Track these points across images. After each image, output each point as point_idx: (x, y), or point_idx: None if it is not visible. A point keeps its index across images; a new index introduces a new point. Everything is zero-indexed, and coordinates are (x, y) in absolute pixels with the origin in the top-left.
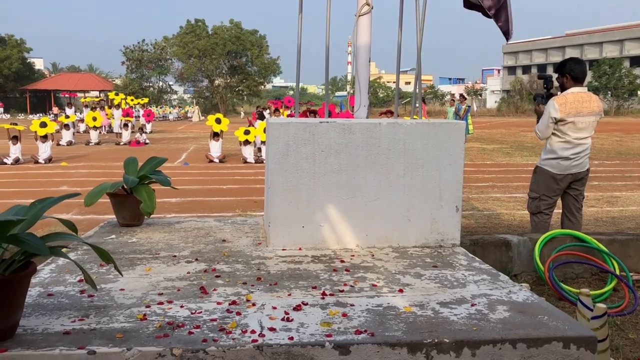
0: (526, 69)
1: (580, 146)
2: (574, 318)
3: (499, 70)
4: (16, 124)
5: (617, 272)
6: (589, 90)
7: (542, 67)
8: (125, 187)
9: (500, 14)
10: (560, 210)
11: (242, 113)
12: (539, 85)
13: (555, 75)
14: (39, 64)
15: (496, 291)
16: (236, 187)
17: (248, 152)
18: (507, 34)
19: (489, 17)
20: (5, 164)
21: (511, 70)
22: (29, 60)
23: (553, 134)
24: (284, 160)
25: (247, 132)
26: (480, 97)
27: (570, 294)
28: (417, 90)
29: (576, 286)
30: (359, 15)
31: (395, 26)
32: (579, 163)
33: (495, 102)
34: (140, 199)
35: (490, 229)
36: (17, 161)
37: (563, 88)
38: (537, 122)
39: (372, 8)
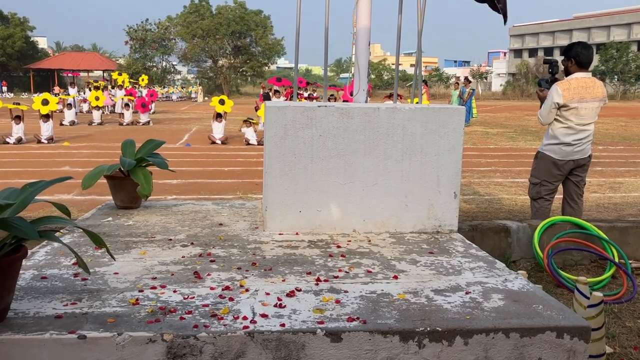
0: (533, 52)
1: (582, 132)
2: (571, 306)
3: (505, 53)
4: (19, 104)
5: (616, 259)
6: (595, 74)
7: (548, 50)
8: (123, 169)
9: None
10: (562, 197)
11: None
12: (544, 69)
13: (561, 59)
14: (42, 43)
15: (492, 279)
16: (238, 169)
17: (250, 134)
18: (506, 16)
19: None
20: (8, 143)
21: (517, 53)
22: (32, 39)
23: (556, 119)
24: (282, 144)
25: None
26: (485, 80)
27: (569, 281)
28: (418, 73)
29: (575, 273)
30: None
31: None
32: (582, 149)
33: (501, 85)
34: (137, 181)
35: (491, 213)
36: (19, 141)
37: (567, 72)
38: (540, 107)
39: None
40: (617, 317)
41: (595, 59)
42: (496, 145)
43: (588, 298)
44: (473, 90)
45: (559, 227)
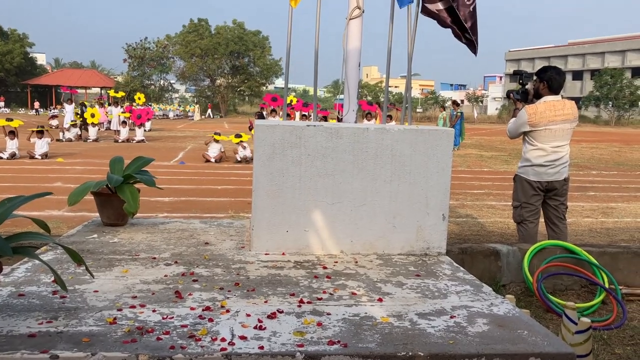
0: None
1: (555, 154)
2: (559, 331)
3: (500, 77)
4: (12, 120)
5: (607, 285)
6: (589, 100)
7: None
8: (110, 186)
9: (475, 27)
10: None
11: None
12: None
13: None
14: (41, 59)
15: (477, 303)
16: (231, 187)
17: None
18: (475, 47)
19: (443, 26)
20: (1, 158)
21: (513, 77)
22: (31, 55)
23: (527, 142)
24: (270, 163)
25: (238, 136)
26: (481, 104)
27: (558, 306)
28: (408, 95)
29: (565, 298)
30: (350, 19)
31: (395, 32)
32: (555, 171)
33: (496, 109)
34: (123, 198)
35: (483, 236)
36: (13, 156)
37: (537, 93)
38: (512, 117)
39: (363, 12)
40: (607, 344)
41: (590, 85)
42: (490, 168)
43: (576, 324)
44: (461, 113)
45: (549, 252)
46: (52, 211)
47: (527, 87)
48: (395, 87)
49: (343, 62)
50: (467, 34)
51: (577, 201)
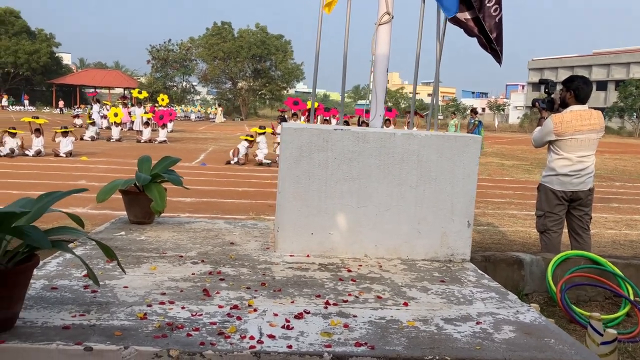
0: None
1: (580, 164)
2: (584, 342)
3: (523, 86)
4: (37, 117)
5: (632, 297)
6: (614, 110)
7: None
8: (138, 184)
9: (500, 38)
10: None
11: None
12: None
13: (560, 87)
14: (66, 59)
15: (503, 310)
16: (252, 190)
17: (261, 153)
18: (500, 57)
19: (470, 35)
20: (27, 155)
21: (536, 86)
22: (57, 55)
23: (553, 151)
24: (297, 165)
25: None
26: (502, 112)
27: (582, 317)
28: (435, 102)
29: (589, 309)
30: (379, 25)
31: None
32: (580, 181)
33: (518, 117)
34: (151, 197)
35: (504, 245)
36: (38, 153)
37: (564, 102)
38: (537, 125)
39: (392, 17)
40: (632, 357)
41: (614, 96)
42: (512, 177)
43: (602, 335)
44: (479, 122)
45: (573, 262)
46: (76, 208)
47: (552, 96)
48: (417, 93)
49: (371, 66)
50: (492, 44)
51: (601, 212)
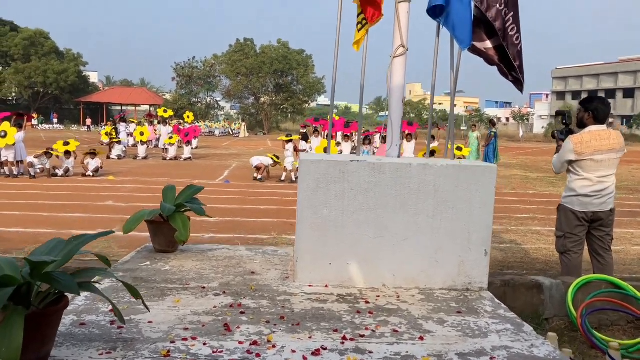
0: (576, 94)
1: (601, 184)
2: None
3: (547, 95)
4: (69, 143)
5: None
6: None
7: (592, 94)
8: (162, 214)
9: (522, 67)
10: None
11: None
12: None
13: (577, 107)
14: (93, 77)
15: (518, 344)
16: (274, 208)
17: (289, 164)
18: (521, 84)
19: (490, 64)
20: (57, 175)
21: (560, 95)
22: (84, 74)
23: (573, 172)
24: (314, 196)
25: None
26: (527, 122)
27: (603, 343)
28: (450, 131)
29: (611, 334)
30: (394, 57)
31: (441, 49)
32: (601, 202)
33: (543, 127)
34: (175, 227)
35: (527, 264)
36: (67, 172)
37: (581, 123)
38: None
39: (407, 50)
40: None
41: None
42: (536, 190)
43: None
44: (495, 133)
45: (594, 286)
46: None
47: (570, 127)
48: (439, 104)
49: (387, 97)
50: (513, 72)
51: (627, 228)
